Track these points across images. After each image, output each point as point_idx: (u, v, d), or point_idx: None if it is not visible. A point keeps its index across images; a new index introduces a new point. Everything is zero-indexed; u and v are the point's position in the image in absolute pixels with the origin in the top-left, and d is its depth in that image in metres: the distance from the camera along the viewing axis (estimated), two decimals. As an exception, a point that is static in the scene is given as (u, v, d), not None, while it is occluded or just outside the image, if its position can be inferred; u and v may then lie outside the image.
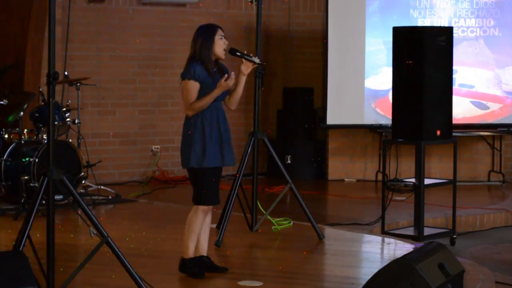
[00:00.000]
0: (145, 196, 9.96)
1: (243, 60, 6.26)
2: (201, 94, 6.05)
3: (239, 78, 6.21)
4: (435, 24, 11.00)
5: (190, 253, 6.17)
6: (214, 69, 6.12)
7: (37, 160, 8.70)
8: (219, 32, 6.13)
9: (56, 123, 8.71)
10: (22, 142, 8.61)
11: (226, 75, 6.02)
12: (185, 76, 6.07)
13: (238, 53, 6.28)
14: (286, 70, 12.12)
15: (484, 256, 8.09)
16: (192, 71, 6.04)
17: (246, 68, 6.24)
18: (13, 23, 10.30)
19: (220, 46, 6.10)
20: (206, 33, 6.11)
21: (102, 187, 9.65)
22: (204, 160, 6.06)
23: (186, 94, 6.06)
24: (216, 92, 6.04)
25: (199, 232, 6.20)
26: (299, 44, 12.15)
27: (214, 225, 7.83)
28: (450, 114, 8.44)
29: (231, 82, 6.02)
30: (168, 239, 7.55)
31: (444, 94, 8.36)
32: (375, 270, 5.35)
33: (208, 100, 6.04)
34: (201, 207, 6.15)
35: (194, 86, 6.04)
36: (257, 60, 6.28)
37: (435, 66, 8.19)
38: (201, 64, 6.06)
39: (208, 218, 6.28)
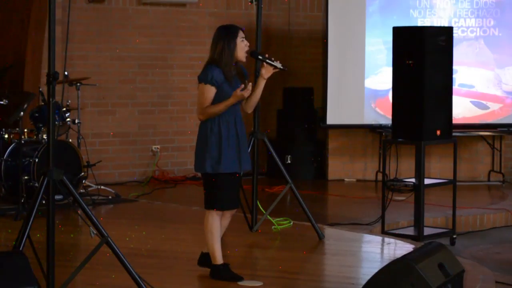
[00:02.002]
0: (145, 196, 9.96)
1: (264, 63, 6.16)
2: (217, 98, 5.95)
3: (258, 82, 6.11)
4: (435, 24, 11.00)
5: (220, 258, 6.10)
6: (234, 73, 6.02)
7: (37, 160, 8.70)
8: (241, 34, 6.00)
9: (56, 123, 8.69)
10: (22, 142, 8.60)
11: (243, 85, 5.91)
12: (202, 79, 5.96)
13: (260, 57, 6.16)
14: (286, 70, 12.10)
15: (484, 256, 8.09)
16: (209, 75, 5.93)
17: (267, 72, 6.10)
18: (13, 23, 10.30)
19: (242, 49, 5.98)
20: (227, 36, 5.96)
21: (102, 187, 9.64)
22: (220, 166, 5.97)
23: (201, 98, 5.96)
24: (231, 101, 5.94)
25: (220, 235, 6.12)
26: (299, 44, 12.15)
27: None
28: (450, 114, 8.44)
29: (246, 93, 5.91)
30: (168, 239, 7.56)
31: (444, 94, 8.36)
32: (375, 270, 5.34)
33: (221, 108, 5.94)
34: (215, 212, 6.05)
35: (210, 91, 5.94)
36: (279, 64, 6.13)
37: (435, 66, 8.19)
38: (220, 68, 5.95)
39: (226, 222, 6.25)
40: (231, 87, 5.97)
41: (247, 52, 6.04)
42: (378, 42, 11.14)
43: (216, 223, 6.06)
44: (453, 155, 8.58)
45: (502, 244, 8.69)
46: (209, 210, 6.06)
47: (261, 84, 6.11)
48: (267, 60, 6.13)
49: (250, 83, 5.98)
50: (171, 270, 6.39)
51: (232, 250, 7.13)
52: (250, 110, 6.19)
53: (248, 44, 6.05)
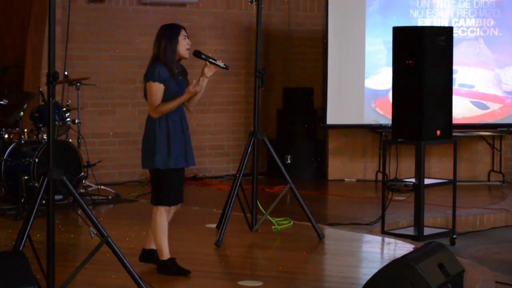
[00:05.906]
0: (145, 196, 9.95)
1: (207, 63, 6.24)
2: (165, 95, 6.08)
3: (201, 81, 6.21)
4: (435, 24, 11.01)
5: (167, 253, 6.21)
6: (177, 70, 6.15)
7: (37, 160, 8.70)
8: (183, 32, 6.16)
9: (56, 123, 8.71)
10: (22, 142, 8.60)
11: (194, 81, 6.04)
12: (150, 78, 6.10)
13: (203, 56, 6.29)
14: (286, 70, 12.11)
15: (484, 256, 8.09)
16: (156, 73, 6.06)
17: (209, 71, 6.24)
18: (13, 23, 10.29)
19: (183, 46, 6.14)
20: (170, 34, 6.12)
21: (102, 187, 9.65)
22: (170, 161, 6.10)
23: (152, 96, 6.10)
24: (184, 98, 6.08)
25: (166, 231, 6.20)
26: (299, 44, 12.14)
27: (214, 225, 7.84)
28: (450, 114, 8.44)
29: (199, 88, 6.04)
30: (168, 239, 7.54)
31: (444, 94, 8.36)
32: (375, 270, 5.35)
33: (175, 104, 6.08)
34: (163, 207, 6.16)
35: (159, 88, 6.07)
36: (221, 63, 6.26)
37: (435, 66, 8.19)
38: (164, 65, 6.06)
39: (170, 216, 6.31)
40: (176, 83, 6.10)
41: (188, 49, 6.16)
42: (378, 42, 11.14)
43: (164, 219, 6.18)
44: (453, 155, 8.58)
45: (502, 244, 8.69)
46: (157, 206, 6.15)
47: (204, 83, 6.19)
48: (210, 59, 6.26)
49: (201, 78, 6.12)
50: (171, 270, 6.38)
51: (232, 250, 7.13)
52: (192, 108, 6.31)
53: (190, 42, 6.19)
